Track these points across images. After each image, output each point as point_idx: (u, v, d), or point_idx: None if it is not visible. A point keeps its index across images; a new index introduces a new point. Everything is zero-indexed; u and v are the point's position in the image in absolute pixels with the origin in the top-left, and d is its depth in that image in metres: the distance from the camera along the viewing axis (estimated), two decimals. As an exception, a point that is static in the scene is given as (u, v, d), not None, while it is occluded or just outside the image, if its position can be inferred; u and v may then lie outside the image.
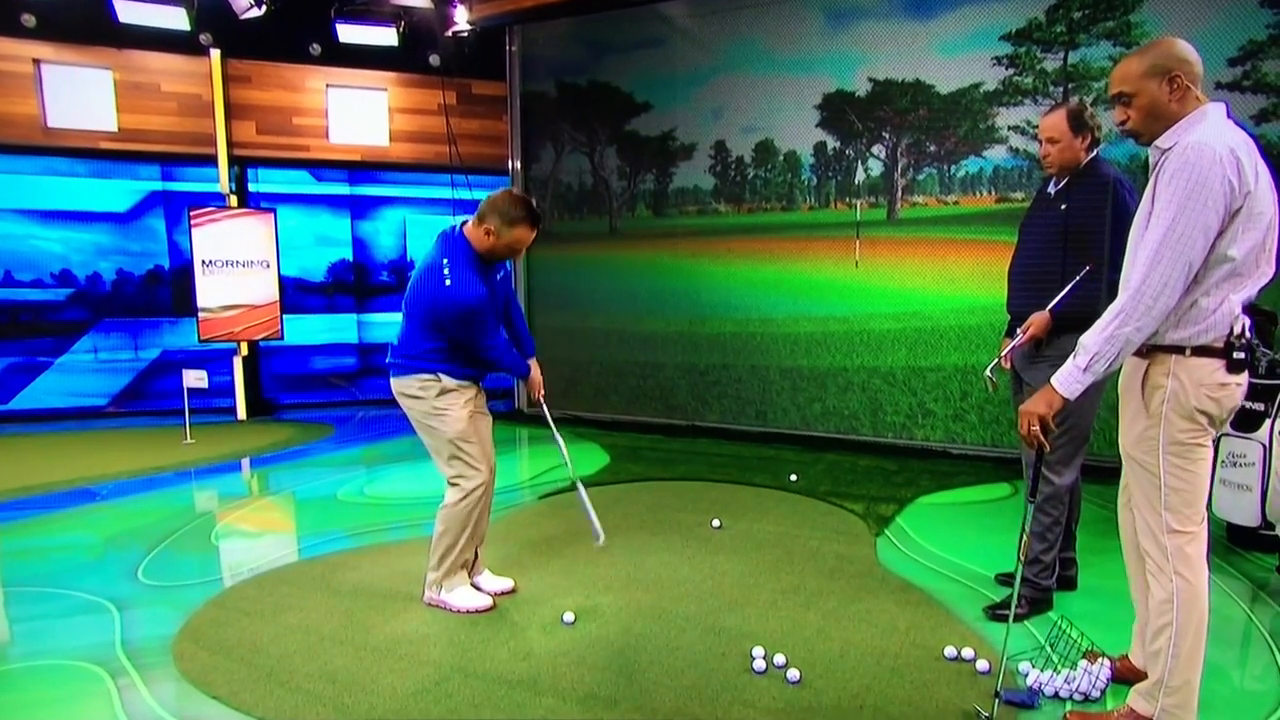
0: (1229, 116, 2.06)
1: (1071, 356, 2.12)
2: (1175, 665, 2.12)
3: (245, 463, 5.94)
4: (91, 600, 3.32)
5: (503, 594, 3.32)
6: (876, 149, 5.99)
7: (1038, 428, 2.20)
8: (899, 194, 5.92)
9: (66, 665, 2.76)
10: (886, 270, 5.96)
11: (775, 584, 3.42)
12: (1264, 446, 3.38)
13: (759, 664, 2.69)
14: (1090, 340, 2.07)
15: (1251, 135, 2.02)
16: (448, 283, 2.90)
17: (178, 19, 7.15)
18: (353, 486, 5.18)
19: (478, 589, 3.29)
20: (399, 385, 3.11)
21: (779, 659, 2.70)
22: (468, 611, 3.14)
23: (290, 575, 3.60)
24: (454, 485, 3.13)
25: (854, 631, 2.95)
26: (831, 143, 6.15)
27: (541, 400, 3.41)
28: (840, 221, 6.14)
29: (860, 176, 6.06)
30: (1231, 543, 3.77)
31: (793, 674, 2.61)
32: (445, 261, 2.93)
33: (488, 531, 3.40)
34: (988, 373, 3.10)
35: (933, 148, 5.77)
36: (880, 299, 5.97)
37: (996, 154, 5.56)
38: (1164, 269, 1.96)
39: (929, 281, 5.77)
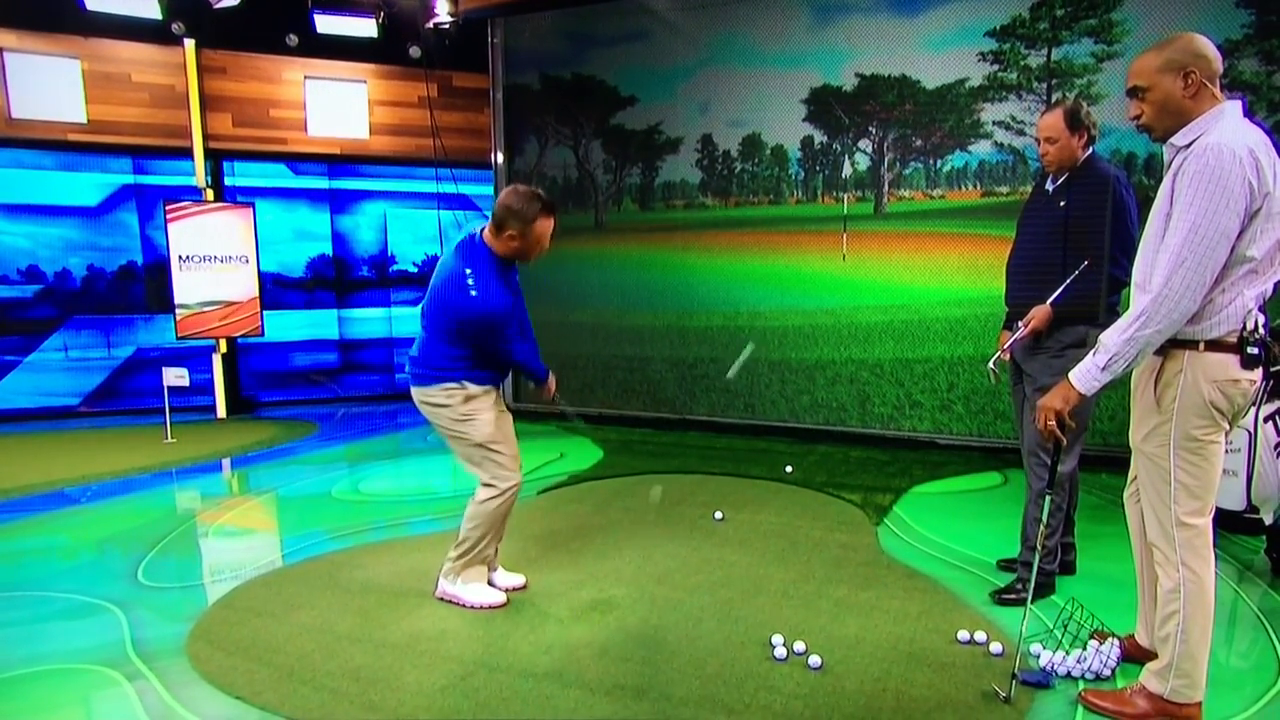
0: (1245, 114, 2.09)
1: (1091, 354, 2.16)
2: (1184, 651, 2.21)
3: (231, 462, 5.83)
4: (93, 603, 3.25)
5: (515, 589, 3.32)
6: (863, 143, 6.06)
7: (1054, 422, 2.26)
8: (885, 188, 6.01)
9: (78, 669, 2.70)
10: (874, 264, 6.04)
11: (784, 574, 3.47)
12: (1250, 433, 3.51)
13: (780, 651, 2.73)
14: (1110, 340, 2.11)
15: (1268, 132, 2.06)
16: (473, 293, 2.89)
17: (148, 7, 6.99)
18: (346, 484, 5.13)
19: (492, 585, 3.29)
20: (422, 394, 3.08)
21: (799, 646, 2.74)
22: (481, 607, 3.13)
23: (296, 574, 3.55)
24: (489, 485, 3.11)
25: (867, 618, 3.02)
26: (819, 137, 6.22)
27: (554, 397, 3.48)
28: (828, 215, 6.22)
29: (847, 171, 6.14)
30: (1218, 526, 3.91)
31: (814, 660, 2.66)
32: (469, 271, 2.91)
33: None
34: (990, 365, 3.18)
35: (919, 142, 5.86)
36: (867, 292, 6.05)
37: (982, 149, 5.67)
38: (1186, 272, 1.99)
39: (916, 275, 5.86)
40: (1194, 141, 2.06)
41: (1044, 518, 2.68)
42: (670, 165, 6.87)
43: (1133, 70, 2.16)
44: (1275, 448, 3.51)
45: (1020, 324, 3.05)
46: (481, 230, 3.03)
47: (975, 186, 5.71)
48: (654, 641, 2.85)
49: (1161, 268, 2.03)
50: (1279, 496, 3.50)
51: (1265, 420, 3.48)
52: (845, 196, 6.15)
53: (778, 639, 2.78)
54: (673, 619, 3.03)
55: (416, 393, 3.11)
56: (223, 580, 3.50)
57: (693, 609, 3.12)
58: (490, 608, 3.13)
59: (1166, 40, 2.12)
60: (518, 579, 3.37)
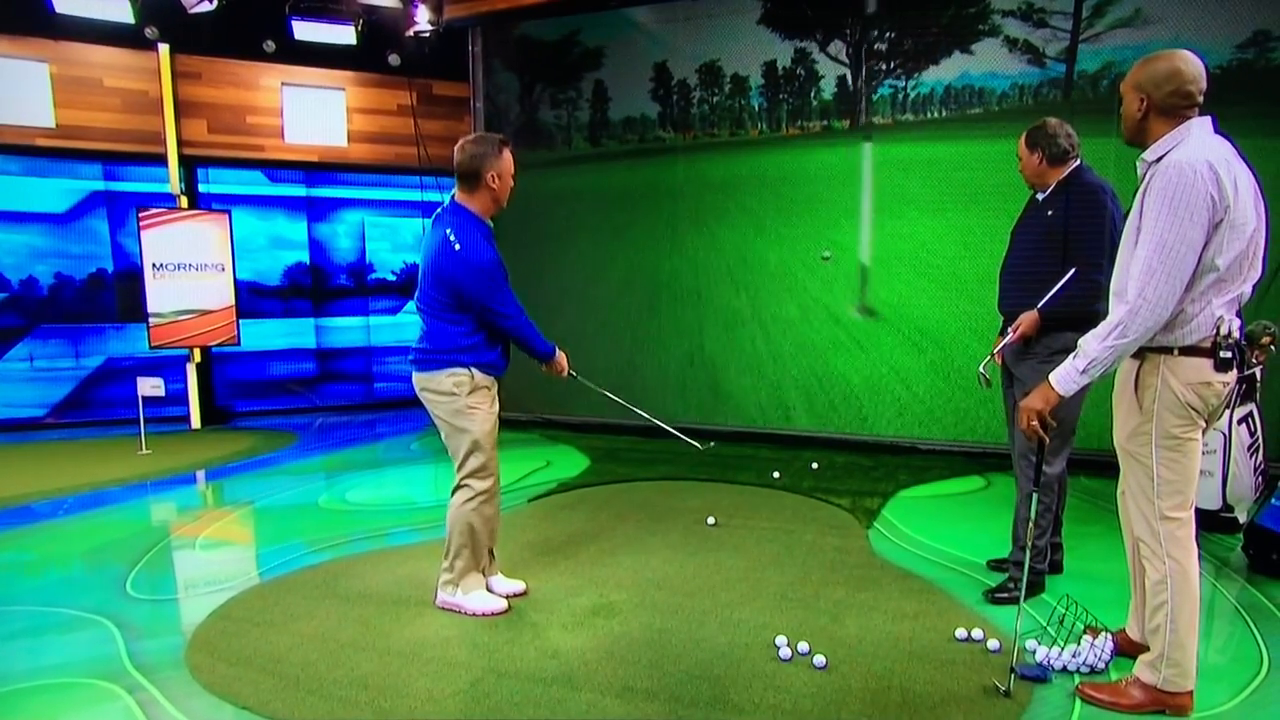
0: (1216, 130, 2.23)
1: (1071, 357, 2.28)
2: (1174, 639, 2.31)
3: (213, 473, 5.73)
4: (84, 616, 3.18)
5: (516, 596, 3.32)
6: (834, 47, 5.19)
7: (1037, 423, 2.37)
8: (865, 106, 5.31)
9: (76, 683, 2.65)
10: (856, 252, 6.04)
11: (781, 577, 3.52)
12: (1224, 435, 3.66)
13: (784, 652, 2.78)
14: (1090, 347, 2.23)
15: (1235, 146, 2.20)
16: (457, 248, 2.92)
17: (120, 11, 6.85)
18: (333, 493, 5.07)
19: (491, 591, 3.29)
20: (426, 380, 3.06)
21: (803, 646, 2.79)
22: (483, 614, 3.13)
23: (291, 584, 3.51)
24: (465, 486, 3.11)
25: (867, 618, 3.07)
26: (783, 55, 5.62)
27: (572, 374, 3.40)
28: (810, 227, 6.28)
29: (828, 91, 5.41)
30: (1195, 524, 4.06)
31: (819, 660, 2.71)
32: (449, 231, 2.95)
33: (498, 532, 3.40)
34: (981, 369, 3.26)
35: (907, 43, 4.91)
36: (854, 289, 6.12)
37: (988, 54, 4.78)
38: (1158, 283, 2.12)
39: (900, 274, 5.94)
40: (1162, 158, 2.20)
41: (1032, 516, 2.77)
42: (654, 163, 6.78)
43: (1127, 75, 2.33)
44: (1248, 449, 3.66)
45: (1010, 329, 3.15)
46: (452, 198, 3.06)
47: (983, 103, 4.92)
48: (659, 645, 2.88)
49: (1134, 279, 2.16)
50: (1252, 495, 3.65)
51: (1239, 422, 3.63)
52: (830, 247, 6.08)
53: (781, 640, 2.83)
54: (675, 623, 3.06)
55: (420, 379, 3.08)
56: (215, 591, 3.45)
57: (694, 612, 3.15)
58: (492, 614, 3.13)
59: (1150, 57, 2.27)
60: (517, 585, 3.37)
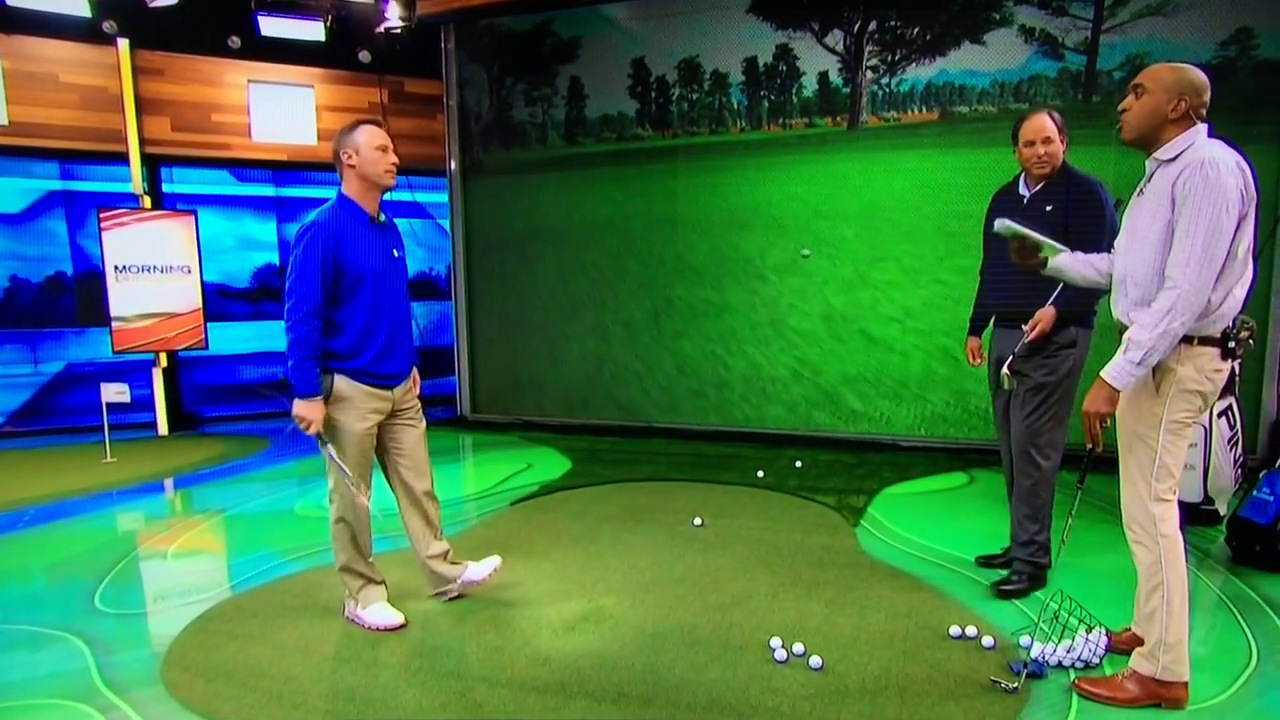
0: (1210, 135, 2.31)
1: (1120, 352, 2.30)
2: (1170, 621, 2.35)
3: (182, 480, 5.55)
4: (49, 633, 3.04)
5: (493, 572, 3.26)
6: (832, 37, 4.91)
7: (1099, 425, 2.37)
8: (863, 104, 5.14)
9: (43, 704, 2.51)
10: (837, 250, 6.04)
11: (771, 577, 3.48)
12: (1205, 429, 3.70)
13: (780, 654, 2.74)
14: (1144, 336, 2.24)
15: (1240, 150, 2.26)
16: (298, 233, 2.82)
17: (77, 4, 6.65)
18: (309, 500, 4.93)
19: (470, 582, 3.23)
20: None
21: (798, 647, 2.75)
22: (378, 629, 2.99)
23: (269, 595, 3.40)
24: (330, 500, 3.01)
25: (860, 618, 3.05)
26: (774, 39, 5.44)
27: (322, 437, 2.87)
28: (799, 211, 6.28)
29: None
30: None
31: (815, 661, 2.68)
32: (303, 223, 2.84)
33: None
34: (1005, 371, 3.20)
35: (912, 32, 4.60)
36: (834, 288, 6.13)
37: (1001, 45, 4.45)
38: (1203, 270, 2.18)
39: (882, 271, 5.94)
40: (1179, 156, 2.27)
41: (1073, 511, 2.69)
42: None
43: (1146, 71, 2.37)
44: (1228, 442, 3.71)
45: (1026, 327, 3.11)
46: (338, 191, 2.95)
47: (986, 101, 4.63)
48: (652, 649, 2.82)
49: (1181, 266, 2.20)
50: (1233, 488, 3.70)
51: (1219, 416, 3.68)
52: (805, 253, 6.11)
53: (776, 641, 2.79)
54: (667, 626, 3.01)
55: None
56: (189, 604, 3.32)
57: (686, 615, 3.10)
58: (386, 629, 2.98)
59: (1181, 66, 2.34)
60: (492, 561, 3.27)
